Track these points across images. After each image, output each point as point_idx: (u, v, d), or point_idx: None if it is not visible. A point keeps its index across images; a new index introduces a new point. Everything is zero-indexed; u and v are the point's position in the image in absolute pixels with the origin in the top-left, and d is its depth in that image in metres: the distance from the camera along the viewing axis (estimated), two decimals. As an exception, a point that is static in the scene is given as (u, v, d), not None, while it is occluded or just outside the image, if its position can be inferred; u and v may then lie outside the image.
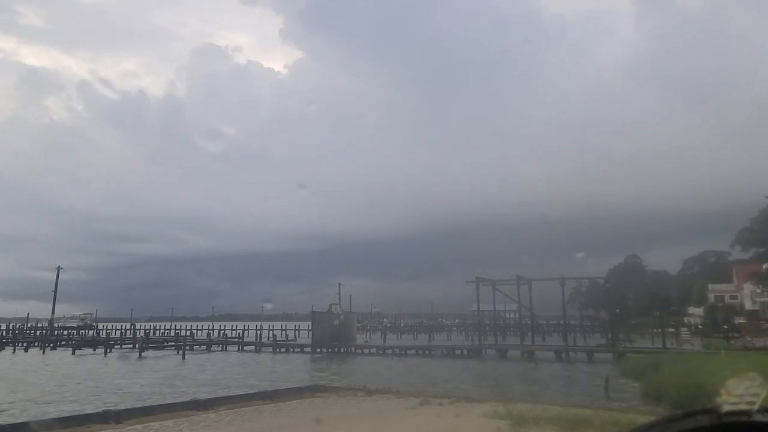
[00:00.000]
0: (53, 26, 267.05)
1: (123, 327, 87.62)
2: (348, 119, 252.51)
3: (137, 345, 57.07)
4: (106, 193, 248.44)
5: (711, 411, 1.12)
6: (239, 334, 67.84)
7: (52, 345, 62.02)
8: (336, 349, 53.49)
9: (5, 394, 25.72)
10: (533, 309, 55.44)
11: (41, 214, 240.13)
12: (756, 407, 1.11)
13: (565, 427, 10.74)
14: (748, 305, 67.14)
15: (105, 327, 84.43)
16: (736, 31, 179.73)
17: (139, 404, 17.43)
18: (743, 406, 1.11)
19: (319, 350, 53.11)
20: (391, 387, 18.50)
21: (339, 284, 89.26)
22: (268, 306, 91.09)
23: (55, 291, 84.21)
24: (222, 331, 74.32)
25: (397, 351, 51.76)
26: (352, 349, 54.51)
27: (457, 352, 50.57)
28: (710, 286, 77.52)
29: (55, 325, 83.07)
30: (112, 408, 14.72)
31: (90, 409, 17.59)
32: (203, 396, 17.55)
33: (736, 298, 73.35)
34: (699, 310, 75.23)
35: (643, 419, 5.35)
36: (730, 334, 49.17)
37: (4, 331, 73.15)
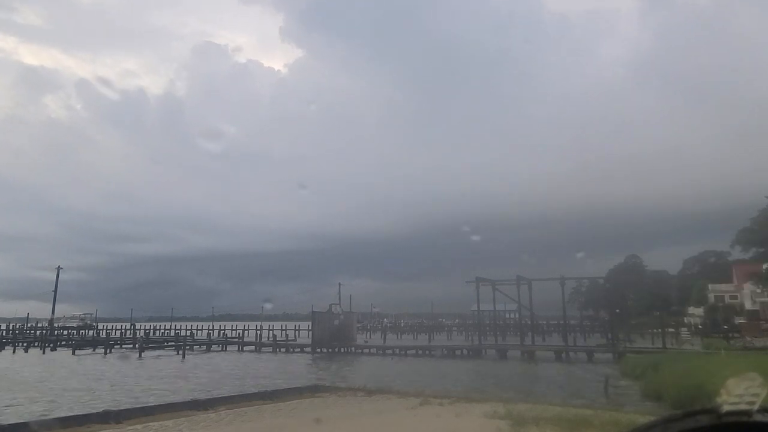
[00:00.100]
0: (53, 26, 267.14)
1: (123, 327, 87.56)
2: (348, 118, 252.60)
3: (137, 345, 57.04)
4: (106, 192, 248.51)
5: (711, 411, 1.12)
6: (239, 334, 67.77)
7: (52, 345, 61.94)
8: (336, 349, 53.48)
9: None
10: (533, 309, 55.47)
11: (41, 214, 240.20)
12: (756, 407, 1.11)
13: (565, 427, 10.74)
14: (748, 305, 67.13)
15: (105, 327, 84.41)
16: (736, 30, 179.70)
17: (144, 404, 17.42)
18: (743, 406, 1.11)
19: (319, 350, 53.10)
20: (391, 387, 18.52)
21: (339, 284, 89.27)
22: (268, 306, 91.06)
23: (55, 291, 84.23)
24: (222, 331, 74.27)
25: (397, 351, 51.77)
26: (352, 349, 54.50)
27: (457, 352, 50.58)
28: (710, 286, 77.51)
29: (55, 325, 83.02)
30: (112, 408, 14.72)
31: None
32: (203, 396, 17.54)
33: (736, 298, 73.34)
34: (699, 310, 75.22)
35: (643, 419, 5.35)
36: (730, 334, 49.17)
37: (4, 331, 73.10)
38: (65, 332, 78.46)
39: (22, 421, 14.30)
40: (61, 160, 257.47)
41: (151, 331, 79.84)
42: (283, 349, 56.36)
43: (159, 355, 51.39)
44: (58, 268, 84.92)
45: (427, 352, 51.45)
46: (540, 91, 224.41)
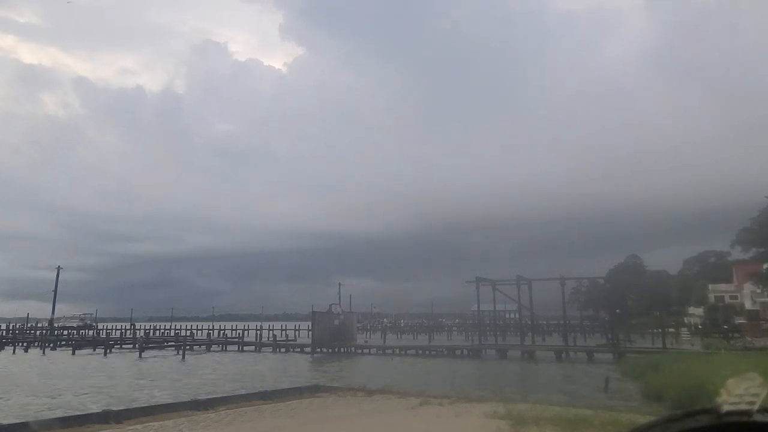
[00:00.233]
0: (51, 24, 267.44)
1: (123, 327, 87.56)
2: (348, 117, 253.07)
3: (137, 345, 57.05)
4: (105, 191, 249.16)
5: (711, 411, 1.12)
6: (239, 334, 67.77)
7: (52, 345, 61.99)
8: (336, 349, 53.46)
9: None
10: (533, 309, 55.44)
11: (40, 213, 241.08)
12: (756, 407, 1.10)
13: (565, 427, 10.74)
14: (748, 305, 67.13)
15: (105, 327, 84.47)
16: (739, 30, 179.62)
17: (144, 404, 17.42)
18: (743, 406, 1.11)
19: (319, 350, 53.08)
20: (391, 387, 18.50)
21: (339, 284, 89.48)
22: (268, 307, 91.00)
23: (55, 291, 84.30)
24: (222, 331, 74.30)
25: (397, 351, 51.73)
26: (352, 349, 54.47)
27: (457, 352, 50.55)
28: (710, 286, 77.53)
29: (55, 325, 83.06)
30: (112, 408, 14.72)
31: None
32: (203, 396, 17.54)
33: (736, 298, 73.34)
34: (699, 310, 75.25)
35: (643, 419, 5.35)
36: (730, 334, 49.20)
37: (4, 331, 73.17)
38: (65, 332, 78.50)
39: (22, 421, 14.30)
40: (59, 158, 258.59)
41: (151, 331, 79.79)
42: (283, 349, 56.36)
43: (159, 355, 51.39)
44: (58, 268, 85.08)
45: (427, 352, 51.43)
46: (542, 90, 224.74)
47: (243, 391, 20.36)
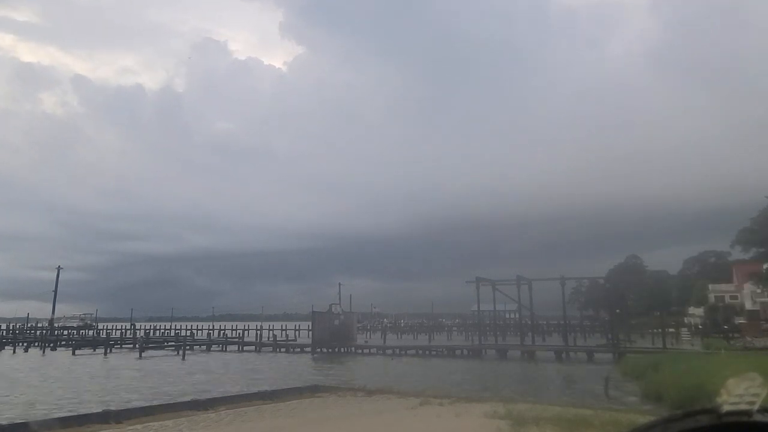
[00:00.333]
0: (50, 23, 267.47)
1: (123, 327, 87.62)
2: (349, 115, 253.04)
3: (137, 345, 57.03)
4: (104, 189, 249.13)
5: (711, 411, 1.12)
6: (239, 334, 67.81)
7: (52, 345, 61.98)
8: (336, 349, 53.47)
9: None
10: (533, 309, 55.42)
11: (39, 212, 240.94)
12: (756, 407, 1.10)
13: (565, 427, 10.74)
14: (748, 305, 67.12)
15: (105, 327, 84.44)
16: (741, 29, 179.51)
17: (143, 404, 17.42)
18: (743, 406, 1.11)
19: (319, 350, 53.07)
20: (391, 387, 18.50)
21: (339, 284, 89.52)
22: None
23: (55, 291, 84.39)
24: (222, 331, 74.33)
25: (397, 351, 51.74)
26: (353, 349, 54.48)
27: (458, 352, 50.56)
28: (710, 286, 77.51)
29: (55, 325, 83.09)
30: (112, 408, 14.72)
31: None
32: (203, 396, 17.54)
33: (736, 298, 73.33)
34: (699, 310, 75.23)
35: (643, 419, 5.35)
36: (730, 334, 49.17)
37: (4, 331, 73.08)
38: (65, 332, 78.56)
39: (22, 421, 14.30)
40: (58, 156, 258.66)
41: (151, 331, 79.88)
42: (283, 349, 56.36)
43: (159, 355, 51.38)
44: (58, 268, 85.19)
45: (427, 352, 51.44)
46: (543, 89, 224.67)
47: (243, 391, 20.38)
